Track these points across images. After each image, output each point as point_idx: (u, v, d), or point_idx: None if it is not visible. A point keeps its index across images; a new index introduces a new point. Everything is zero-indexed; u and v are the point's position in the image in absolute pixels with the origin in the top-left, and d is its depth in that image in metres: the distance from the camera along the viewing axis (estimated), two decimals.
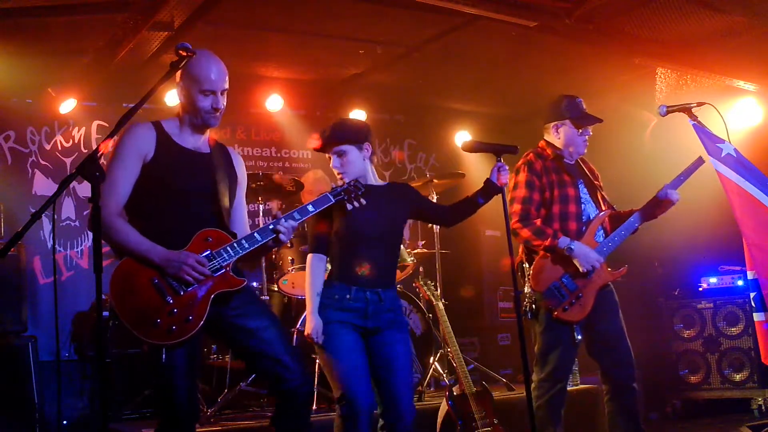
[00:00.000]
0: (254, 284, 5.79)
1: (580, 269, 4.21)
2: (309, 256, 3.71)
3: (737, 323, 6.37)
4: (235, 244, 3.24)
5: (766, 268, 4.12)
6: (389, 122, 8.23)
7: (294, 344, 5.28)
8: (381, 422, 3.72)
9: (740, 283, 6.41)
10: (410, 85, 7.33)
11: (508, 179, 3.80)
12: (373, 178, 3.83)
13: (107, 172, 3.19)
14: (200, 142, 3.40)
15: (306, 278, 3.70)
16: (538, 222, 4.27)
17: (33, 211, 3.26)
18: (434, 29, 5.97)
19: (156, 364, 3.09)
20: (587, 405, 5.65)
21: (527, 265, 4.30)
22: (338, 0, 5.45)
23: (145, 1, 5.06)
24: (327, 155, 3.82)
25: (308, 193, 6.07)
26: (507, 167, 3.81)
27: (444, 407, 4.92)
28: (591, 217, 4.36)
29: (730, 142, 4.26)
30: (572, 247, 4.19)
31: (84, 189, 6.78)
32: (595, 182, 4.49)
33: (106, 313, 5.81)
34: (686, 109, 4.30)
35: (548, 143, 4.46)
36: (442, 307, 5.22)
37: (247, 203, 3.74)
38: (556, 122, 4.42)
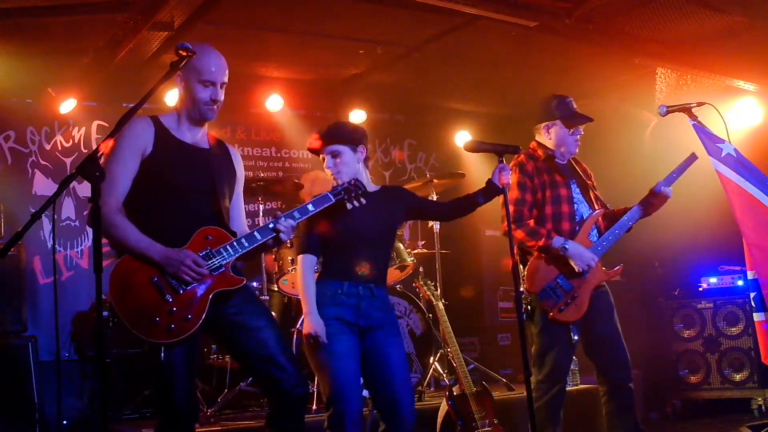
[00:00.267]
0: (254, 284, 5.79)
1: (576, 269, 4.21)
2: (299, 257, 3.69)
3: (737, 323, 6.37)
4: (235, 243, 3.24)
5: (766, 268, 4.12)
6: (389, 122, 8.22)
7: (293, 344, 5.29)
8: (382, 426, 3.69)
9: (740, 283, 6.41)
10: (410, 85, 7.33)
11: (509, 180, 3.80)
12: (367, 182, 3.80)
13: (106, 168, 3.19)
14: (199, 136, 3.40)
15: (299, 279, 3.68)
16: (531, 223, 4.27)
17: (33, 211, 3.26)
18: (434, 29, 5.97)
19: (155, 363, 3.08)
20: (587, 405, 5.64)
21: (522, 267, 4.30)
22: (338, 0, 5.45)
23: (145, 1, 5.06)
24: (321, 156, 3.81)
25: (307, 194, 6.07)
26: (509, 168, 3.81)
27: (444, 407, 4.92)
28: (584, 217, 4.36)
29: (730, 142, 4.26)
30: (566, 246, 4.20)
31: (84, 189, 6.77)
32: (588, 182, 4.49)
33: (106, 313, 5.81)
34: (686, 109, 4.30)
35: (539, 144, 4.47)
36: (442, 307, 5.22)
37: (247, 203, 3.74)
38: (546, 122, 4.43)
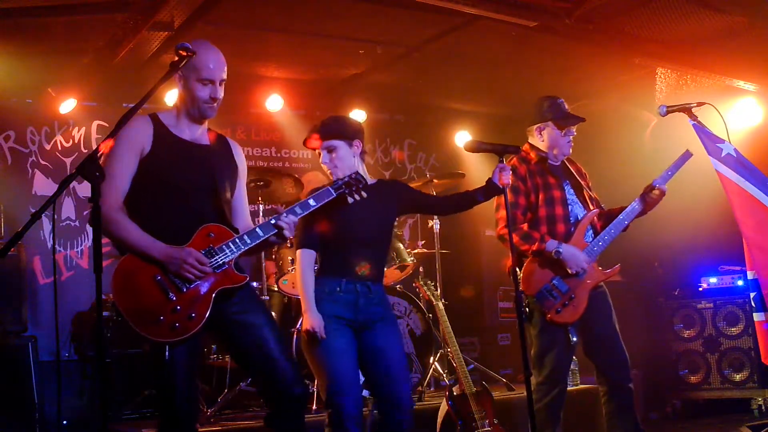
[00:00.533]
0: (254, 284, 5.79)
1: (569, 271, 4.21)
2: (298, 252, 3.69)
3: (737, 323, 6.37)
4: (237, 240, 3.23)
5: (766, 268, 4.12)
6: (389, 122, 8.23)
7: (293, 345, 5.28)
8: (380, 417, 3.68)
9: (740, 283, 6.41)
10: (410, 85, 7.33)
11: (509, 180, 3.80)
12: (363, 174, 3.79)
13: (105, 167, 3.19)
14: (198, 133, 3.39)
15: (298, 274, 3.68)
16: (525, 227, 4.26)
17: (33, 211, 3.26)
18: (434, 29, 5.97)
19: (158, 362, 3.07)
20: (587, 405, 5.64)
21: (518, 269, 4.30)
22: (338, 0, 5.45)
23: (145, 1, 5.06)
24: (317, 151, 3.80)
25: (305, 195, 6.06)
26: (509, 168, 3.81)
27: (444, 407, 4.92)
28: (579, 218, 4.35)
29: (730, 142, 4.26)
30: (560, 249, 4.20)
31: (84, 189, 6.77)
32: (582, 182, 4.48)
33: (106, 313, 5.81)
34: (686, 109, 4.30)
35: (532, 146, 4.47)
36: (442, 307, 5.21)
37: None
38: (538, 124, 4.42)
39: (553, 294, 4.23)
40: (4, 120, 6.57)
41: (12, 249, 2.90)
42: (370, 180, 3.86)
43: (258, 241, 3.26)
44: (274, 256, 5.98)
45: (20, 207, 6.25)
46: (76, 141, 6.87)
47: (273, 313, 5.73)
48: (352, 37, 6.14)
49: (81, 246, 6.77)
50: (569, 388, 4.61)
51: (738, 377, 6.31)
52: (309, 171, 6.93)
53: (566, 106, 4.45)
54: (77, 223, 6.78)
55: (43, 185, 6.67)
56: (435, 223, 6.45)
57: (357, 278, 3.66)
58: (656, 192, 4.31)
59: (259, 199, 5.96)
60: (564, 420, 4.31)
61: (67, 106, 6.55)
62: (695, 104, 4.31)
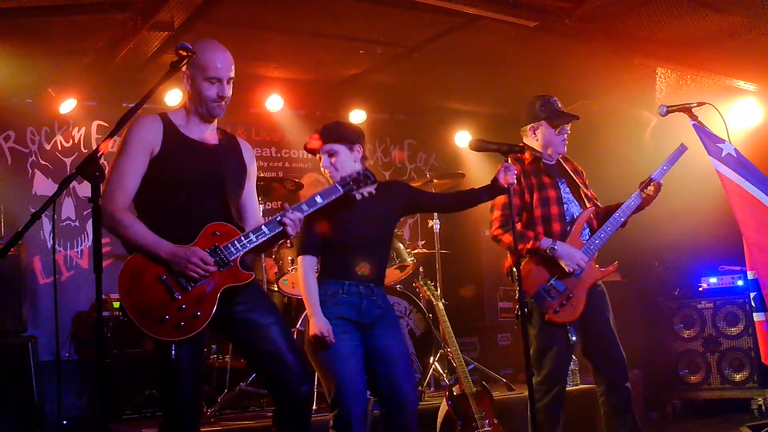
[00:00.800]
0: None
1: (566, 269, 4.21)
2: (300, 258, 3.68)
3: (737, 323, 6.37)
4: (243, 238, 3.23)
5: (766, 268, 4.12)
6: (389, 122, 8.22)
7: None
8: (385, 419, 3.69)
9: (740, 283, 6.41)
10: (410, 85, 7.33)
11: (514, 179, 3.80)
12: None
13: (115, 165, 3.20)
14: (207, 133, 3.38)
15: (301, 281, 3.67)
16: (519, 226, 4.25)
17: (33, 211, 3.25)
18: (434, 29, 5.97)
19: (163, 361, 3.08)
20: (587, 405, 5.63)
21: (515, 269, 4.30)
22: (338, 0, 5.45)
23: (145, 1, 5.06)
24: (318, 156, 3.81)
25: (305, 196, 6.06)
26: (514, 167, 3.81)
27: (444, 407, 4.92)
28: (575, 217, 4.34)
29: (730, 142, 4.25)
30: (555, 247, 4.19)
31: (84, 189, 6.77)
32: (578, 180, 4.47)
33: (106, 313, 5.82)
34: (686, 109, 4.30)
35: (526, 146, 4.46)
36: (442, 307, 5.21)
37: None
38: (532, 124, 4.42)
39: (550, 294, 4.23)
40: (4, 120, 6.57)
41: (12, 249, 2.91)
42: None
43: (264, 239, 3.26)
44: (274, 256, 5.98)
45: (20, 207, 6.25)
46: (76, 141, 6.87)
47: None
48: (352, 37, 6.14)
49: (81, 246, 6.77)
50: (569, 388, 4.61)
51: (738, 377, 6.31)
52: (309, 171, 6.93)
53: (559, 105, 4.45)
54: (77, 223, 6.78)
55: (43, 185, 6.67)
56: (435, 223, 6.45)
57: (360, 280, 3.66)
58: (652, 187, 4.30)
59: (259, 198, 5.95)
60: (564, 420, 4.31)
61: (67, 106, 6.55)
62: (695, 104, 4.30)
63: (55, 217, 6.60)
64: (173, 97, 6.56)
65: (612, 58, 6.38)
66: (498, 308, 7.85)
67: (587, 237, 4.33)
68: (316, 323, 3.56)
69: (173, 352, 3.05)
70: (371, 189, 3.53)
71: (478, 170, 7.63)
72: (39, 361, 5.56)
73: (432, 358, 5.87)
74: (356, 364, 3.60)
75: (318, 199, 3.42)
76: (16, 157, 6.61)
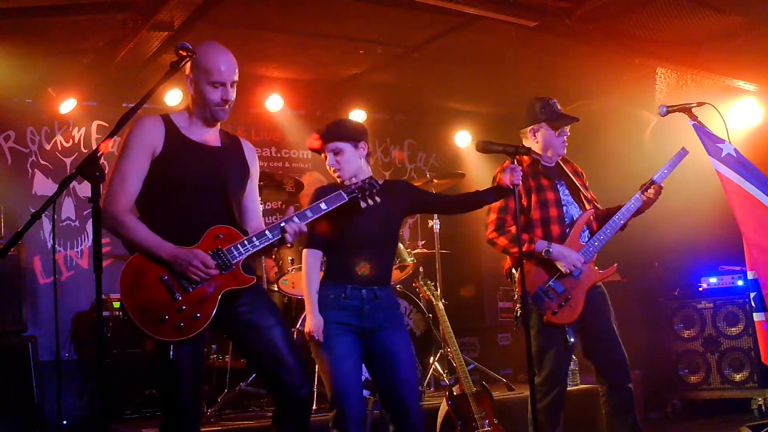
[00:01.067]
0: None
1: (562, 270, 4.21)
2: (304, 252, 3.70)
3: (737, 323, 6.37)
4: (246, 242, 3.23)
5: (766, 268, 4.12)
6: (389, 122, 8.22)
7: None
8: (392, 428, 3.70)
9: (740, 283, 6.41)
10: (410, 85, 7.33)
11: (519, 181, 3.80)
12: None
13: (116, 167, 3.20)
14: (210, 135, 3.38)
15: (303, 275, 3.69)
16: (514, 229, 4.24)
17: (33, 211, 3.25)
18: (434, 29, 5.96)
19: (163, 361, 3.08)
20: (587, 405, 5.64)
21: (515, 271, 4.30)
22: (338, 0, 5.45)
23: (145, 1, 5.06)
24: (323, 155, 3.81)
25: (305, 196, 6.07)
26: (519, 169, 3.80)
27: (444, 407, 4.92)
28: (574, 219, 4.34)
29: (730, 142, 4.25)
30: (550, 249, 4.19)
31: (84, 189, 6.78)
32: (578, 182, 4.47)
33: (106, 313, 5.83)
34: (686, 109, 4.30)
35: (528, 147, 4.45)
36: (442, 307, 5.21)
37: None
38: (532, 126, 4.41)
39: (549, 295, 4.22)
40: (4, 120, 6.57)
41: (12, 249, 2.91)
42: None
43: (267, 243, 3.26)
44: (274, 256, 5.98)
45: (20, 207, 6.24)
46: (76, 141, 6.87)
47: None
48: (352, 37, 6.14)
49: (81, 246, 6.77)
50: (569, 389, 4.61)
51: (738, 377, 6.31)
52: (309, 171, 6.93)
53: (558, 107, 4.44)
54: (77, 223, 6.78)
55: (43, 185, 6.67)
56: (435, 223, 6.45)
57: (362, 283, 3.66)
58: (652, 190, 4.30)
59: (260, 198, 5.95)
60: (564, 420, 4.31)
61: (67, 106, 6.55)
62: (695, 104, 4.30)
63: (55, 217, 6.60)
64: (173, 97, 6.57)
65: (612, 58, 6.38)
66: (498, 308, 7.86)
67: (587, 239, 4.33)
68: (309, 322, 3.59)
69: (171, 353, 3.05)
70: (377, 198, 3.52)
71: (478, 170, 7.63)
72: (39, 361, 5.56)
73: (432, 358, 5.87)
74: (352, 366, 3.61)
75: (323, 206, 3.42)
76: (16, 157, 6.61)
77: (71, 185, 6.14)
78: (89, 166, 2.73)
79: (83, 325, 6.42)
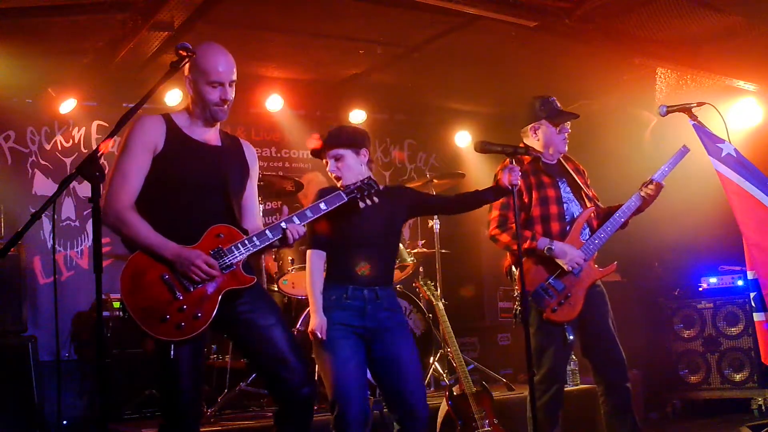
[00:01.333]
0: None
1: (564, 268, 4.21)
2: (308, 252, 3.71)
3: (737, 323, 6.37)
4: (246, 242, 3.23)
5: (766, 268, 4.12)
6: (389, 122, 8.23)
7: None
8: (397, 427, 3.70)
9: (740, 283, 6.41)
10: (410, 85, 7.33)
11: (518, 181, 3.80)
12: None
13: (117, 165, 3.20)
14: (210, 134, 3.38)
15: (306, 275, 3.70)
16: (515, 226, 4.26)
17: (33, 211, 3.25)
18: (434, 29, 5.97)
19: (163, 361, 3.08)
20: (587, 405, 5.63)
21: (515, 269, 4.30)
22: (338, 0, 5.45)
23: (145, 1, 5.06)
24: (324, 160, 3.82)
25: (304, 195, 6.08)
26: (518, 169, 3.81)
27: (444, 407, 4.92)
28: (575, 216, 4.35)
29: (730, 142, 4.25)
30: (552, 247, 4.20)
31: (84, 189, 6.78)
32: (580, 180, 4.47)
33: (106, 313, 5.83)
34: (686, 109, 4.30)
35: (526, 146, 4.46)
36: (442, 307, 5.21)
37: None
38: (533, 124, 4.42)
39: (548, 293, 4.23)
40: (4, 120, 6.57)
41: (12, 249, 2.91)
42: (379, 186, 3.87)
43: (267, 243, 3.26)
44: (274, 256, 5.98)
45: (20, 207, 6.25)
46: (76, 141, 6.87)
47: None
48: (352, 37, 6.14)
49: (81, 246, 6.77)
50: (569, 388, 4.61)
51: (738, 377, 6.31)
52: (309, 171, 6.93)
53: (558, 104, 4.45)
54: (77, 223, 6.79)
55: (43, 185, 6.67)
56: (435, 223, 6.45)
57: (364, 284, 3.66)
58: (652, 187, 4.30)
59: (260, 199, 5.95)
60: (564, 420, 4.31)
61: (67, 106, 6.55)
62: (695, 104, 4.30)
63: (55, 217, 6.60)
64: (173, 97, 6.57)
65: (612, 58, 6.38)
66: (498, 308, 7.85)
67: (587, 237, 4.33)
68: (312, 321, 3.60)
69: (171, 353, 3.05)
70: (375, 199, 3.53)
71: (478, 170, 7.63)
72: (39, 361, 5.56)
73: (432, 358, 5.87)
74: (354, 368, 3.61)
75: (322, 206, 3.43)
76: (16, 157, 6.61)
77: (71, 185, 6.14)
78: (89, 166, 2.73)
79: (83, 325, 6.42)
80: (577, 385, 5.94)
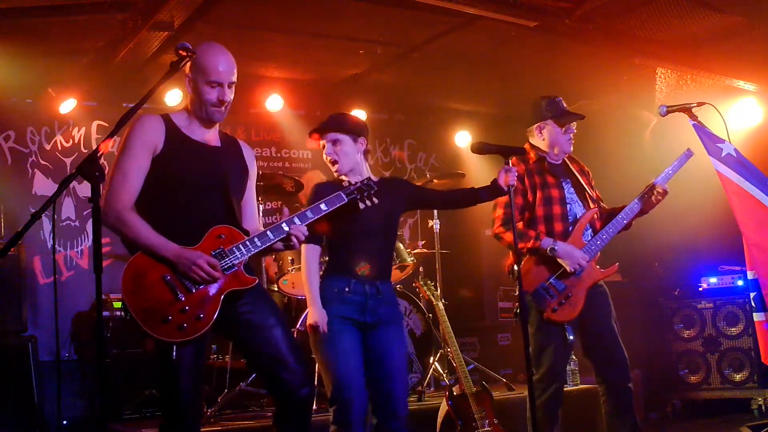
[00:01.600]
0: None
1: (567, 269, 4.21)
2: (303, 247, 3.69)
3: (737, 323, 6.37)
4: (248, 242, 3.22)
5: (766, 268, 4.12)
6: (389, 122, 8.23)
7: None
8: (374, 420, 3.70)
9: (740, 283, 6.41)
10: (410, 85, 7.33)
11: (515, 181, 3.80)
12: (368, 174, 3.82)
13: (117, 165, 3.19)
14: (210, 134, 3.38)
15: (302, 270, 3.70)
16: (520, 225, 4.27)
17: (33, 211, 3.25)
18: (434, 29, 5.97)
19: (164, 362, 3.07)
20: (587, 405, 5.64)
21: (516, 268, 4.30)
22: (338, 0, 5.45)
23: (145, 1, 5.06)
24: (321, 143, 3.82)
25: (305, 195, 6.07)
26: (515, 169, 3.81)
27: (444, 407, 4.92)
28: (578, 217, 4.35)
29: (730, 142, 4.26)
30: (555, 247, 4.20)
31: (84, 189, 6.78)
32: (584, 181, 4.47)
33: (106, 313, 5.82)
34: (686, 109, 4.30)
35: (532, 146, 4.47)
36: (442, 307, 5.21)
37: None
38: (538, 123, 4.42)
39: (549, 292, 4.23)
40: (4, 120, 6.57)
41: (12, 249, 2.90)
42: (374, 178, 3.87)
43: (268, 244, 3.26)
44: (274, 256, 5.97)
45: (20, 207, 6.25)
46: (76, 141, 6.87)
47: None
48: (352, 37, 6.14)
49: (81, 246, 6.77)
50: (569, 388, 4.61)
51: (738, 377, 6.31)
52: (309, 171, 6.92)
53: (564, 104, 4.45)
54: (77, 223, 6.79)
55: (43, 185, 6.67)
56: (435, 223, 6.45)
57: (365, 278, 3.67)
58: (659, 190, 4.30)
59: (259, 198, 5.96)
60: (564, 420, 4.31)
61: (67, 106, 6.55)
62: (695, 104, 4.30)
63: (55, 217, 6.59)
64: (173, 97, 6.57)
65: (612, 58, 6.38)
66: (498, 308, 7.85)
67: (589, 237, 4.34)
68: (312, 314, 3.60)
69: (174, 354, 3.04)
70: (375, 200, 3.53)
71: (478, 170, 7.62)
72: (39, 361, 5.56)
73: (432, 358, 5.87)
74: (356, 361, 3.61)
75: (323, 206, 3.42)
76: (16, 157, 6.61)
77: (71, 185, 6.14)
78: (89, 166, 2.73)
79: (83, 325, 6.42)
80: (577, 385, 5.94)
